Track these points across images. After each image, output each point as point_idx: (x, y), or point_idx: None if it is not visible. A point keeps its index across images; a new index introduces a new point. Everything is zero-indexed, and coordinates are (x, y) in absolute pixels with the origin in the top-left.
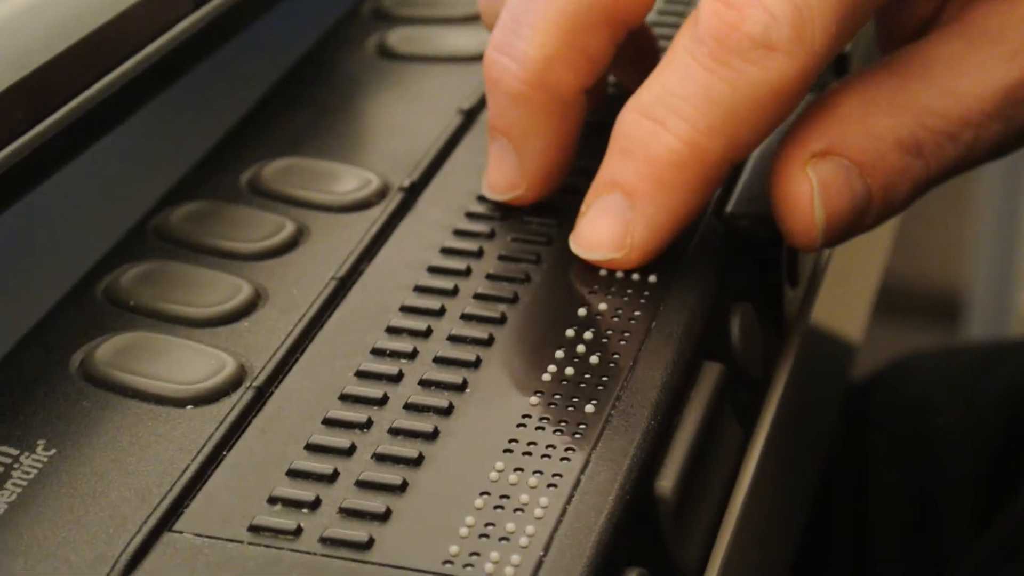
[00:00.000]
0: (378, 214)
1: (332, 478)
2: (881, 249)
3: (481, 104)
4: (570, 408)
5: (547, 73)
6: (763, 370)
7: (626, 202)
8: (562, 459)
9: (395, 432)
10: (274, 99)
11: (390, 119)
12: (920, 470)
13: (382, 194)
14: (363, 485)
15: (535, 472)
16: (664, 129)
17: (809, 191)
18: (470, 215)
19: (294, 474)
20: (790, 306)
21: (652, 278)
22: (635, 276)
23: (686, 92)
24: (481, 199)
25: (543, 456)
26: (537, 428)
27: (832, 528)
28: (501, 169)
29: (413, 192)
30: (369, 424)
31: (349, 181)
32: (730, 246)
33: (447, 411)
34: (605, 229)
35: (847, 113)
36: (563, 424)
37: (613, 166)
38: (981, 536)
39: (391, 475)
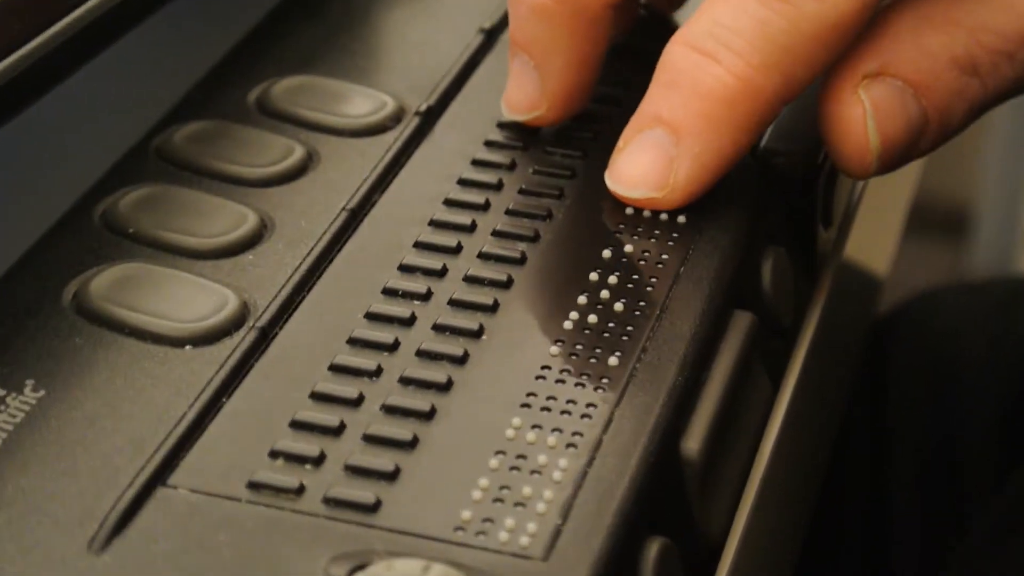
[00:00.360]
0: (392, 140)
1: (338, 431)
2: (910, 179)
3: (504, 23)
4: (592, 360)
5: None
6: (793, 317)
7: (670, 138)
8: (583, 416)
9: (406, 382)
10: (286, 11)
11: (407, 37)
12: (942, 411)
13: (397, 118)
14: (371, 440)
15: (554, 430)
16: (716, 63)
17: (862, 114)
18: (489, 144)
19: (298, 426)
20: (822, 246)
21: (681, 218)
22: (663, 216)
23: (739, 25)
24: (502, 126)
25: (563, 412)
26: (557, 381)
27: (846, 474)
28: (521, 87)
29: (430, 117)
30: (379, 372)
31: (363, 103)
32: (763, 184)
33: (462, 360)
34: (646, 166)
35: (899, 31)
36: (585, 377)
37: (658, 99)
38: (1004, 484)
39: (401, 430)
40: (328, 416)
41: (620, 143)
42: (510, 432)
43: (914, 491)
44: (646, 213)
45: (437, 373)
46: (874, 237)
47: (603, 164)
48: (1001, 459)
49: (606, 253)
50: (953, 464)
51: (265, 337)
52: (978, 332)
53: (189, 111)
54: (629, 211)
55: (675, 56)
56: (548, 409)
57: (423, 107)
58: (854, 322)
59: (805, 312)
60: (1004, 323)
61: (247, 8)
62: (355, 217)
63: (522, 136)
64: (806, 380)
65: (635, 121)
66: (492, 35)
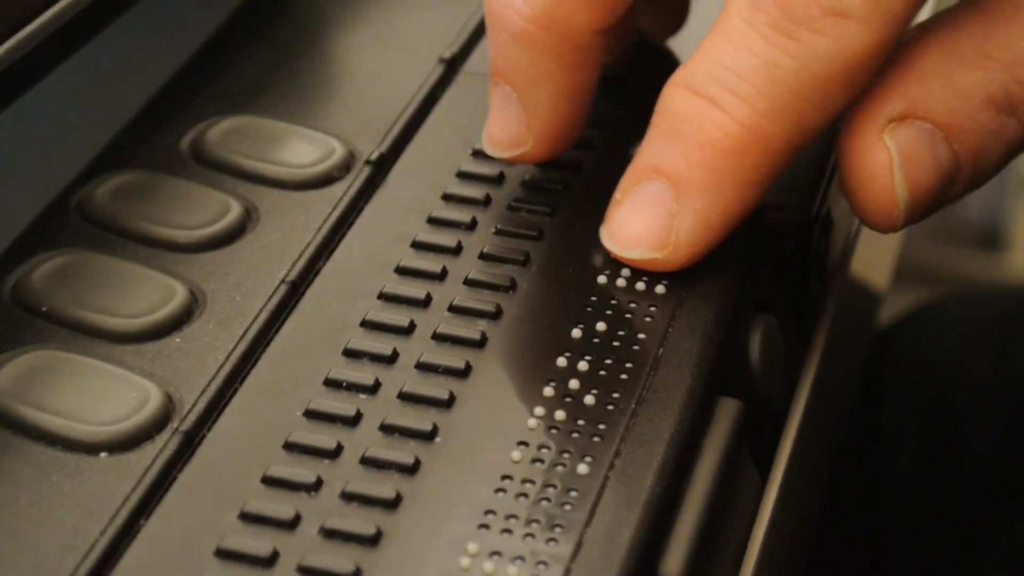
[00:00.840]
0: (340, 194)
1: (269, 562)
2: None
3: (466, 52)
4: (560, 467)
5: (556, 9)
6: (784, 397)
7: (671, 192)
8: (548, 540)
9: (348, 498)
10: (228, 37)
11: (361, 67)
12: (943, 436)
13: (346, 167)
14: (307, 573)
15: (515, 559)
16: (719, 109)
17: (888, 163)
18: (448, 198)
19: (224, 555)
20: (813, 299)
21: (660, 288)
22: (639, 285)
23: (744, 67)
24: (462, 176)
25: (525, 536)
26: (519, 495)
27: (843, 503)
28: (504, 121)
29: (382, 166)
30: (318, 485)
31: (308, 150)
32: (751, 242)
33: (411, 469)
34: (645, 223)
35: (928, 67)
36: (551, 490)
37: (657, 149)
38: (1012, 520)
39: (341, 560)
40: (259, 543)
41: (617, 194)
42: (464, 561)
43: (913, 526)
44: (619, 282)
45: (383, 487)
46: (869, 254)
47: (573, 222)
48: (1005, 492)
49: (576, 333)
50: (956, 494)
51: (190, 442)
52: (982, 346)
53: (115, 158)
54: (601, 280)
55: (675, 100)
56: (509, 531)
57: (375, 155)
58: (850, 380)
59: (796, 383)
60: (1011, 336)
61: (184, 34)
62: (295, 290)
63: (484, 187)
64: (797, 462)
65: (633, 170)
66: (453, 65)
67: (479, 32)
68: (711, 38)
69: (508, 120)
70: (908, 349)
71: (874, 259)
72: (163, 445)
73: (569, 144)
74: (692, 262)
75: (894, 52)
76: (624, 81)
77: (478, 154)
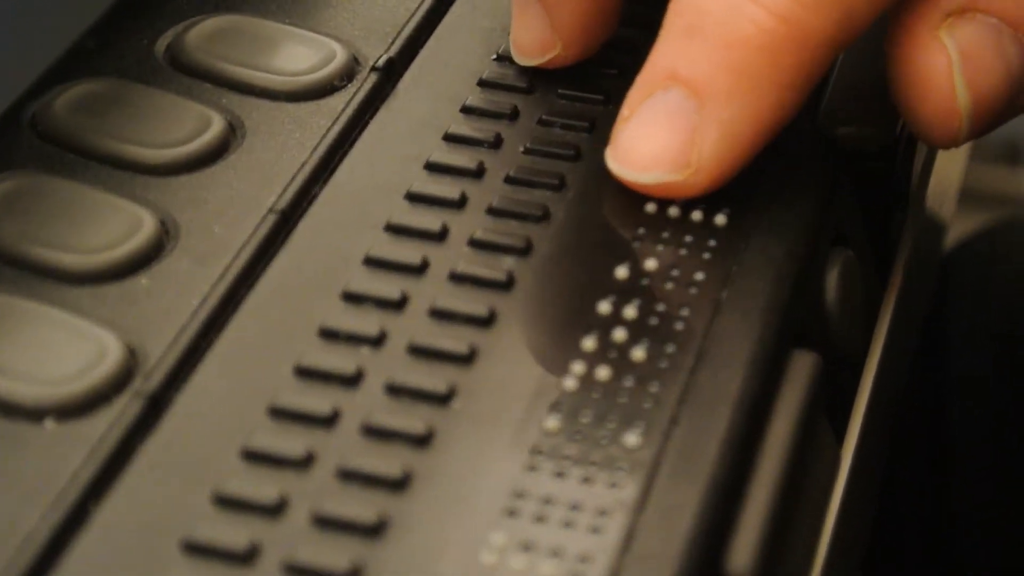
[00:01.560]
0: (341, 106)
1: (249, 557)
2: None
3: None
4: (604, 439)
5: None
6: (863, 342)
7: (691, 102)
8: (592, 530)
9: (347, 476)
10: None
11: None
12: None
13: (349, 74)
14: (294, 571)
15: (551, 554)
16: (752, 2)
17: (946, 64)
18: (467, 110)
19: (195, 549)
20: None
21: (720, 218)
22: (696, 215)
23: None
24: (484, 85)
25: (564, 525)
26: (556, 474)
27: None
28: (527, 25)
29: (391, 73)
30: (309, 461)
31: (305, 54)
32: (826, 164)
33: (423, 440)
34: (660, 139)
35: None
36: (593, 468)
37: (672, 50)
38: None
39: (338, 556)
40: (237, 534)
41: (624, 109)
42: (487, 557)
43: (982, 495)
44: (671, 211)
45: (390, 463)
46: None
47: None
48: None
49: (621, 272)
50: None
51: (155, 407)
52: None
53: (79, 65)
54: (651, 207)
55: None
56: (542, 520)
57: (382, 59)
58: (918, 321)
59: (873, 328)
60: None
61: None
62: (286, 221)
63: (511, 97)
64: (872, 425)
65: (644, 79)
66: None
67: None
68: None
69: (532, 22)
70: (975, 277)
71: (940, 181)
72: (122, 410)
73: (604, 38)
74: (719, 184)
75: None
76: None
77: (503, 59)
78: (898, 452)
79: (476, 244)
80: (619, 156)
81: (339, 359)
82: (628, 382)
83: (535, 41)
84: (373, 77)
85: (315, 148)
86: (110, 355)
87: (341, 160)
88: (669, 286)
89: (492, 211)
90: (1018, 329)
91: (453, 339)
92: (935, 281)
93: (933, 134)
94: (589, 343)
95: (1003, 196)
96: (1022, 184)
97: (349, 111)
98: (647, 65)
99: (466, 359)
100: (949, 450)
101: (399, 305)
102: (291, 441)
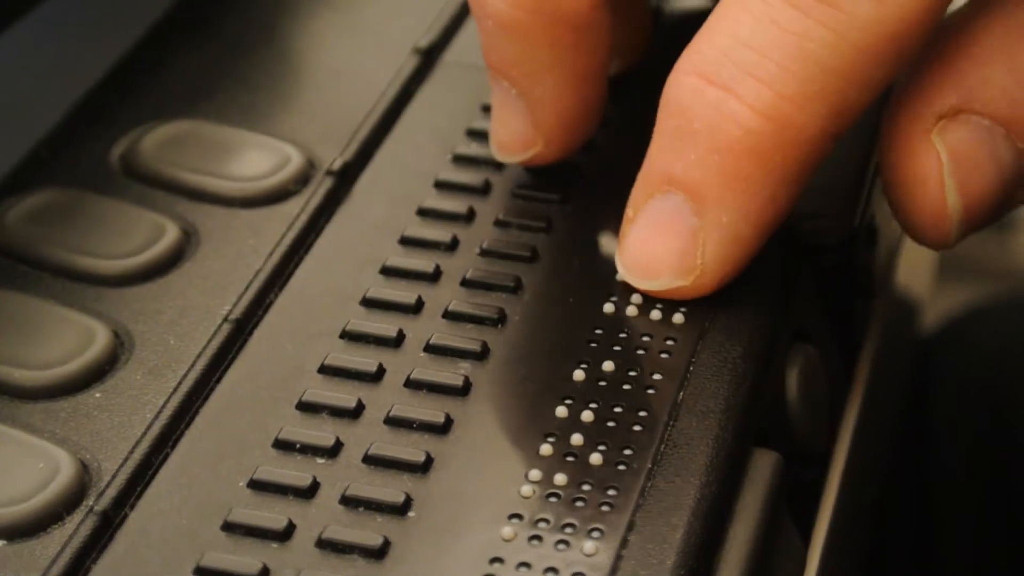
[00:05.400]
0: (296, 211)
1: None
2: None
3: (444, 40)
4: (560, 545)
5: None
6: (829, 437)
7: (690, 206)
8: None
9: None
10: (168, 29)
11: (323, 60)
12: (999, 446)
13: (304, 179)
14: None
15: None
16: (736, 99)
17: (937, 168)
18: (424, 213)
19: None
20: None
21: (678, 317)
22: (655, 313)
23: (766, 43)
24: (441, 187)
25: None
26: (518, 566)
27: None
28: (508, 122)
29: (346, 177)
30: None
31: (260, 159)
32: (786, 258)
33: (378, 553)
34: (663, 245)
35: (986, 51)
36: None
37: (666, 153)
38: None
39: None
40: None
41: (628, 210)
42: None
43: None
44: (630, 310)
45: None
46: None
47: (570, 239)
48: None
49: (578, 375)
50: (1016, 513)
51: (108, 525)
52: None
53: (32, 175)
54: (608, 308)
55: (683, 92)
56: None
57: (338, 164)
58: (896, 410)
59: (839, 423)
60: None
61: (118, 27)
62: (241, 330)
63: (467, 199)
64: (842, 518)
65: (643, 179)
66: (430, 56)
67: (462, 15)
68: (723, 8)
69: (512, 120)
70: (956, 356)
71: (916, 265)
72: (75, 529)
73: (586, 136)
74: (726, 282)
75: (942, 34)
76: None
77: (459, 159)
78: (882, 552)
79: (432, 349)
80: (628, 263)
81: (294, 472)
82: (586, 487)
83: (516, 138)
84: (328, 181)
85: (270, 255)
86: (63, 472)
87: (296, 266)
88: (627, 387)
89: (449, 315)
90: (1001, 419)
91: (410, 448)
92: (913, 367)
93: (925, 237)
94: (546, 448)
95: (987, 268)
96: (1008, 254)
97: (304, 216)
98: (645, 164)
99: (423, 468)
100: (934, 553)
101: (355, 414)
102: (246, 557)
